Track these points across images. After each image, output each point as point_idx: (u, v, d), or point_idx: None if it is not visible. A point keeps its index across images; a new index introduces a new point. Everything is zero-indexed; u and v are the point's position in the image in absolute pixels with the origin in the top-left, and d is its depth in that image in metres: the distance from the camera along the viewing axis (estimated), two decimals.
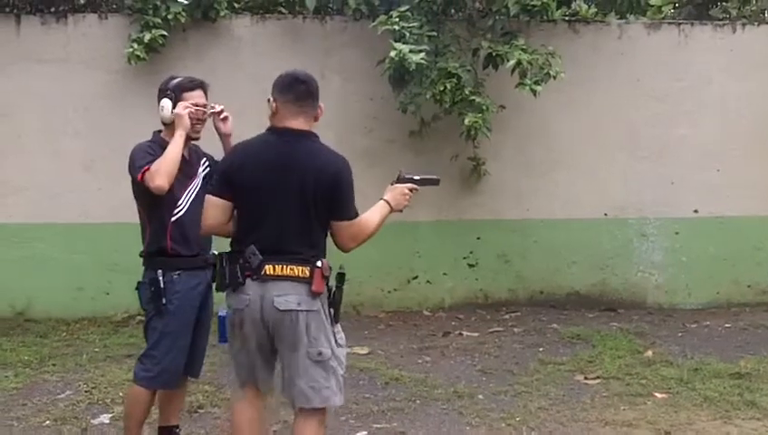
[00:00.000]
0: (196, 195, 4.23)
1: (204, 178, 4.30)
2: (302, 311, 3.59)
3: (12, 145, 7.75)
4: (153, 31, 7.42)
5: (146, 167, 4.12)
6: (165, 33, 7.47)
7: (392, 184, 4.00)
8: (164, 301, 4.16)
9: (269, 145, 3.72)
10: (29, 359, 6.51)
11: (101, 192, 7.74)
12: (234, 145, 4.00)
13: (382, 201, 3.89)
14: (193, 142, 4.35)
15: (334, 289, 3.70)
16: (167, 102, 4.23)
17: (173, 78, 4.34)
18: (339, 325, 3.77)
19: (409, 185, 3.97)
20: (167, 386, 4.35)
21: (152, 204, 4.20)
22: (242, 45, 7.91)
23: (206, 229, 3.83)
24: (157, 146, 4.23)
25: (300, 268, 3.58)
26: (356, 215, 3.71)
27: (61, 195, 7.77)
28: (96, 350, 6.79)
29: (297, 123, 3.71)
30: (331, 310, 3.71)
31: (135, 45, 7.40)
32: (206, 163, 4.39)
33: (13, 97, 7.74)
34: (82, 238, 7.81)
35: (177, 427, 4.60)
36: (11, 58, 7.72)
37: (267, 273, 3.59)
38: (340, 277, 3.69)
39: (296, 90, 3.72)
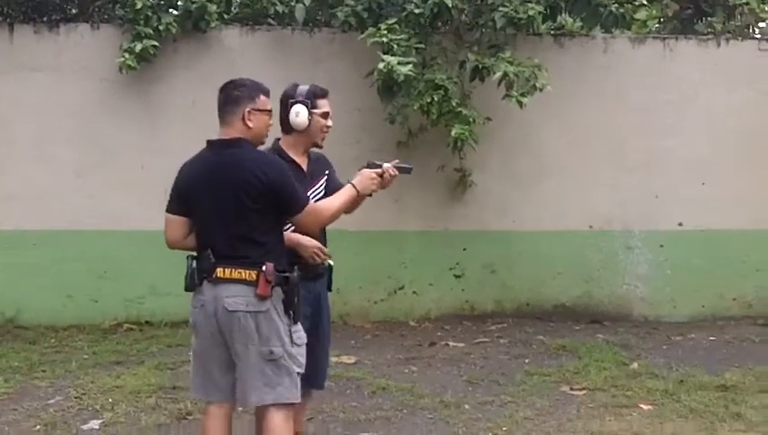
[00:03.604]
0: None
1: (324, 189, 4.30)
2: (250, 312, 3.71)
3: (4, 152, 7.80)
4: (145, 41, 7.48)
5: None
6: (156, 43, 7.53)
7: (360, 169, 4.13)
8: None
9: (203, 159, 3.89)
10: (19, 365, 6.55)
11: (92, 199, 7.80)
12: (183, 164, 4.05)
13: (348, 184, 4.05)
14: (316, 151, 4.37)
15: (287, 290, 3.79)
16: (302, 109, 4.16)
17: (297, 85, 4.27)
18: (298, 325, 3.85)
19: (378, 170, 4.11)
20: None
21: None
22: (232, 56, 7.96)
23: (169, 244, 4.00)
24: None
25: (247, 272, 3.71)
26: (305, 203, 3.84)
27: (52, 202, 7.81)
28: (85, 356, 6.83)
29: (224, 132, 3.87)
30: (291, 311, 3.80)
31: (127, 55, 7.46)
32: (327, 175, 4.38)
33: (5, 105, 7.79)
34: (72, 246, 7.84)
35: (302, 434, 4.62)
36: (4, 66, 7.78)
37: (218, 275, 3.75)
38: (285, 280, 3.77)
39: (218, 100, 3.90)
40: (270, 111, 3.91)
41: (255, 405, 3.85)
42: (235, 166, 3.76)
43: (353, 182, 4.06)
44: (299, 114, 4.17)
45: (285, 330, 3.78)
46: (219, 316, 3.75)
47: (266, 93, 3.90)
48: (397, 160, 4.25)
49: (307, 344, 4.18)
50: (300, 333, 3.85)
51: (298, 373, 3.83)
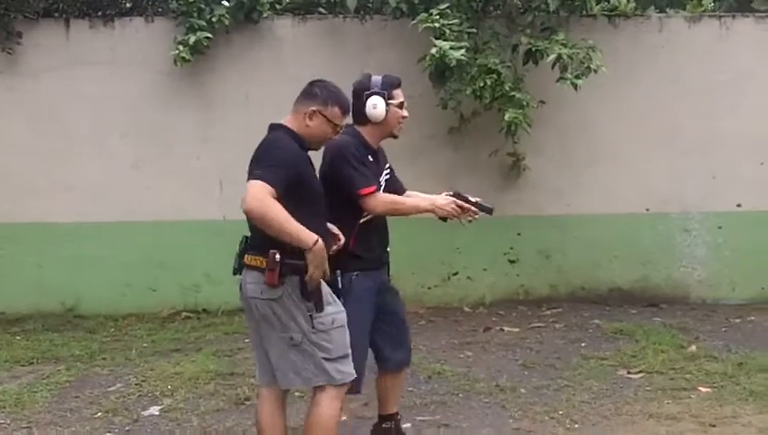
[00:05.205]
0: None
1: (385, 182, 4.33)
2: (264, 299, 3.70)
3: (62, 146, 7.96)
4: (198, 33, 7.56)
5: (373, 187, 4.13)
6: (209, 35, 7.60)
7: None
8: (342, 301, 4.08)
9: None
10: (80, 353, 6.70)
11: (149, 191, 7.93)
12: None
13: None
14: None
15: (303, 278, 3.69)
16: (379, 100, 4.17)
17: (370, 76, 4.27)
18: (327, 308, 3.76)
19: (463, 204, 4.17)
20: (350, 390, 4.21)
21: (343, 204, 4.14)
22: (284, 46, 8.02)
23: None
24: (362, 147, 4.20)
25: (259, 259, 3.68)
26: (256, 180, 3.56)
27: (109, 194, 7.95)
28: (144, 345, 6.96)
29: (287, 116, 3.87)
30: (310, 298, 3.71)
31: (180, 47, 7.55)
32: (389, 169, 4.41)
33: (62, 99, 7.95)
34: (130, 236, 7.99)
35: (397, 413, 4.65)
36: (60, 61, 7.93)
37: (245, 261, 3.77)
38: (296, 267, 3.64)
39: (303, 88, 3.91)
40: (337, 126, 3.87)
41: (286, 388, 3.88)
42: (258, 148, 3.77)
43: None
44: (376, 106, 4.18)
45: (305, 316, 3.70)
46: (247, 301, 3.79)
47: (343, 109, 3.88)
48: (479, 199, 4.27)
49: (379, 331, 4.31)
50: (324, 318, 3.75)
51: (327, 359, 3.75)
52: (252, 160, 3.70)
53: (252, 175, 3.60)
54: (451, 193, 4.24)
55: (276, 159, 3.65)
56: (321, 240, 3.64)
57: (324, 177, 4.14)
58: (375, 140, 4.28)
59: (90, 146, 7.97)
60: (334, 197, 4.09)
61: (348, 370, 3.84)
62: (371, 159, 4.22)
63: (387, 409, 4.61)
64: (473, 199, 4.22)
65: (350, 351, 3.86)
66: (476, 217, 4.26)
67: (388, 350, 4.44)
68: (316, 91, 3.84)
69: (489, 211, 4.30)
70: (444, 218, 4.24)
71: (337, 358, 3.79)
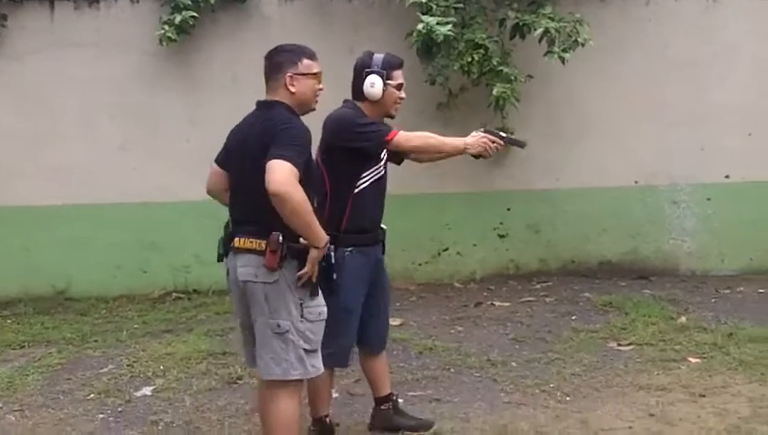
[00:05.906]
0: (380, 175, 4.29)
1: (386, 159, 4.33)
2: (258, 282, 3.62)
3: (48, 128, 7.91)
4: (183, 12, 7.49)
5: (395, 131, 4.16)
6: (195, 14, 7.54)
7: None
8: (334, 277, 4.02)
9: (246, 119, 3.86)
10: (71, 336, 6.69)
11: (136, 172, 7.90)
12: None
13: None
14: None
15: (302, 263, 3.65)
16: (377, 79, 4.16)
17: (372, 54, 4.25)
18: (314, 300, 3.73)
19: (490, 136, 4.24)
20: (340, 364, 4.32)
21: (338, 175, 4.16)
22: (271, 25, 7.97)
23: (207, 191, 4.04)
24: (364, 116, 4.21)
25: (257, 241, 3.61)
26: (282, 158, 3.47)
27: (97, 176, 7.92)
28: (135, 326, 6.95)
29: (267, 95, 3.82)
30: (305, 284, 3.68)
31: (166, 27, 7.49)
32: None
33: (48, 81, 7.89)
34: (119, 218, 7.95)
35: (392, 394, 4.63)
36: (45, 43, 7.87)
37: (235, 245, 3.70)
38: (299, 251, 3.62)
39: (264, 68, 3.86)
40: (316, 73, 3.82)
41: (265, 378, 3.77)
42: (257, 129, 3.70)
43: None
44: (374, 85, 4.16)
45: (296, 303, 3.65)
46: (239, 285, 3.71)
47: (310, 57, 3.82)
48: (510, 134, 4.43)
49: (366, 306, 4.29)
50: (313, 309, 3.72)
51: (307, 350, 3.70)
52: (263, 137, 3.59)
53: (274, 154, 3.47)
54: (482, 129, 4.28)
55: (296, 138, 3.59)
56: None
57: (325, 148, 4.17)
58: (372, 117, 4.26)
59: (76, 128, 7.93)
60: (330, 167, 4.14)
61: (318, 365, 3.78)
62: None
63: (381, 391, 4.60)
64: (503, 134, 4.29)
65: (320, 346, 3.81)
66: (501, 149, 4.36)
67: (373, 327, 4.43)
68: (279, 60, 3.79)
69: (522, 145, 4.47)
70: (476, 156, 4.28)
71: (313, 351, 3.74)
